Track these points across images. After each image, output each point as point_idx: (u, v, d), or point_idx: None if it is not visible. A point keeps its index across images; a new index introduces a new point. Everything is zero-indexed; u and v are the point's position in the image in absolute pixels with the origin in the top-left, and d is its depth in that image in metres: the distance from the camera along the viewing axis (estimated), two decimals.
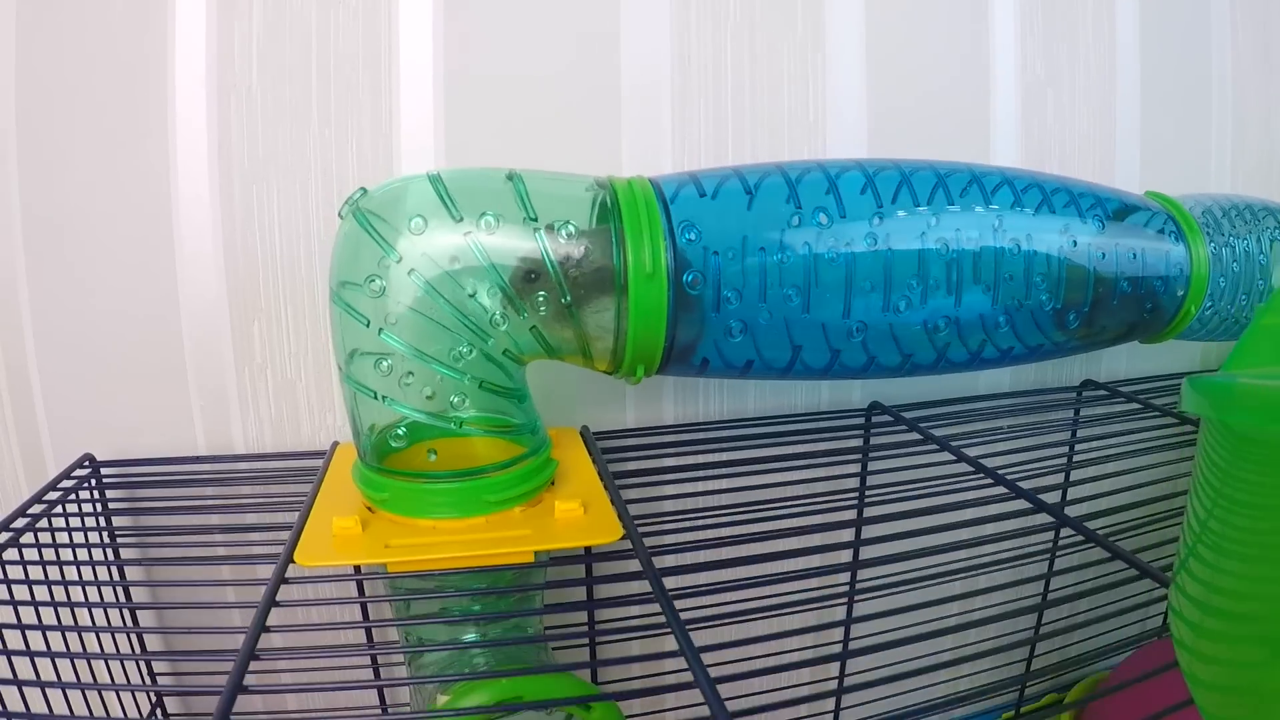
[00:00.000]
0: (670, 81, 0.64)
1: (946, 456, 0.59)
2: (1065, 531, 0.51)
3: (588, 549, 0.48)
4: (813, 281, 0.48)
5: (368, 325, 0.43)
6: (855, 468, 0.70)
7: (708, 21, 0.64)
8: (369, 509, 0.47)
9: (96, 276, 0.58)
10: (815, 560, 0.63)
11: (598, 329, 0.45)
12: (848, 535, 0.71)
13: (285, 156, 0.60)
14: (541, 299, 0.44)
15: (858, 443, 0.69)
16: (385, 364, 0.43)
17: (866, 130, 0.68)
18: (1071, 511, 0.50)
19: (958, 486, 0.56)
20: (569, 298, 0.44)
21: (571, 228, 0.44)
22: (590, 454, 0.56)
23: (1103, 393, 0.73)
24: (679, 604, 0.39)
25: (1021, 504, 0.51)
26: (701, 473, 0.66)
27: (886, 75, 0.67)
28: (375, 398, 0.44)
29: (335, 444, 0.58)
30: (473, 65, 0.61)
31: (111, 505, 0.57)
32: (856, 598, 0.69)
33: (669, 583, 0.41)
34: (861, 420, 0.70)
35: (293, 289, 0.61)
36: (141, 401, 0.59)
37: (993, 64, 0.69)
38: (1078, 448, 0.74)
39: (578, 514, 0.45)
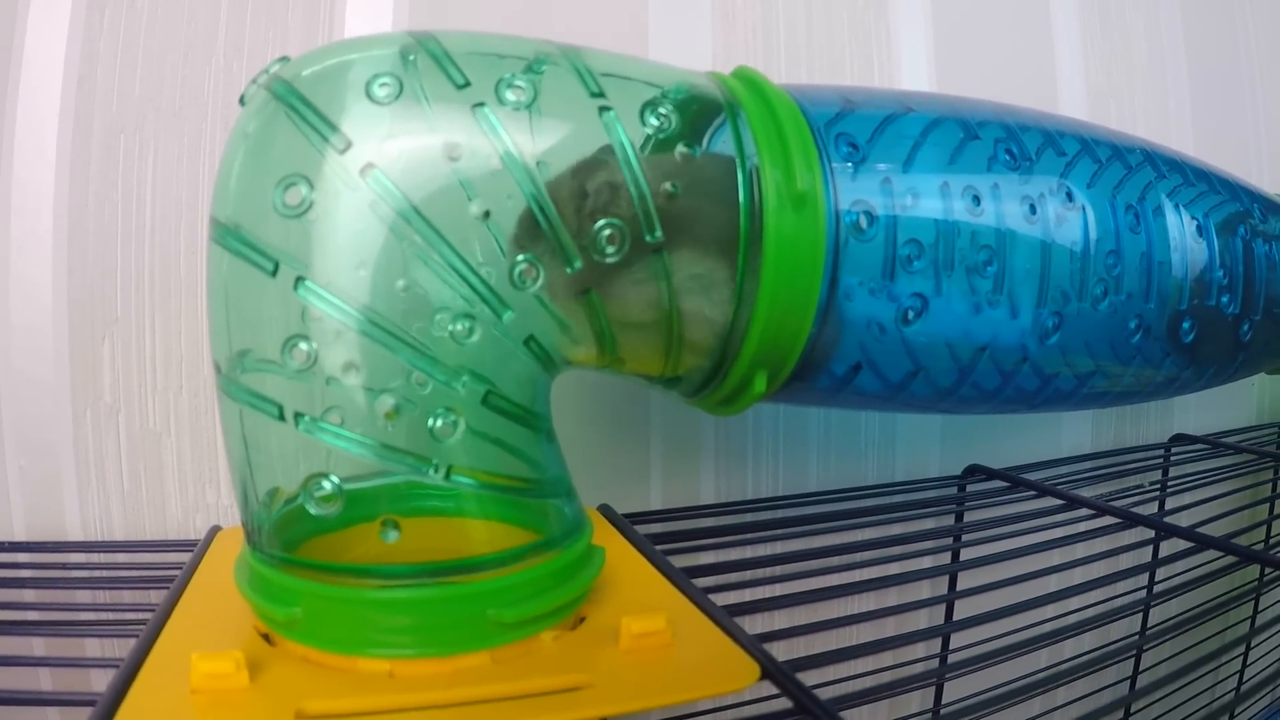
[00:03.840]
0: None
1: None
2: None
3: None
4: (1008, 246, 0.30)
5: (274, 273, 0.23)
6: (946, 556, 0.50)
7: None
8: (264, 637, 0.25)
9: None
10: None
11: (699, 295, 0.25)
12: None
13: (172, 94, 0.42)
14: (608, 234, 0.23)
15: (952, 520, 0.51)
16: (303, 349, 0.22)
17: None
18: None
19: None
20: (658, 232, 0.24)
21: (667, 111, 0.24)
22: (633, 544, 0.35)
23: (1202, 447, 0.61)
24: None
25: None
26: (752, 572, 0.45)
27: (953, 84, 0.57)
28: (279, 417, 0.23)
29: (215, 529, 0.36)
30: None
31: None
32: None
33: None
34: (954, 489, 0.52)
35: (167, 290, 0.41)
36: None
37: (1059, 73, 0.62)
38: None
39: (662, 640, 0.24)
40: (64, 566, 0.39)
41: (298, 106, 0.24)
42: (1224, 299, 0.40)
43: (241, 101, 0.26)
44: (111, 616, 0.38)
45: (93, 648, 0.40)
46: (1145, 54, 0.65)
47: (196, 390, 0.41)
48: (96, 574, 0.39)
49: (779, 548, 0.46)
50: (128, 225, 0.41)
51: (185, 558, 0.35)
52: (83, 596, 0.39)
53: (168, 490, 0.41)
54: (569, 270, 0.24)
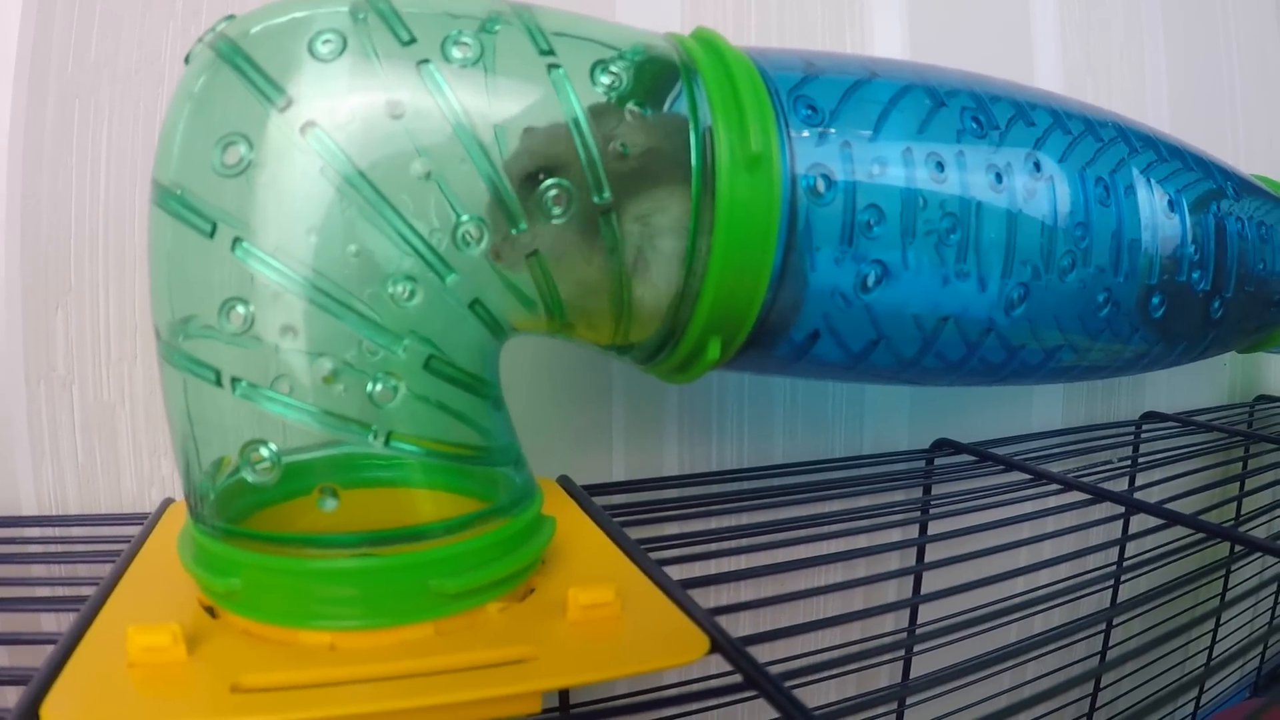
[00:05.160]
0: None
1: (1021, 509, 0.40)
2: None
3: None
4: (972, 214, 0.30)
5: (212, 234, 0.22)
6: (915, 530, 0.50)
7: None
8: (207, 609, 0.25)
9: None
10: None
11: (649, 258, 0.25)
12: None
13: (128, 58, 0.40)
14: (554, 194, 0.23)
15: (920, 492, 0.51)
16: (240, 311, 0.22)
17: None
18: None
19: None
20: (607, 193, 0.23)
21: (618, 70, 0.23)
22: (590, 515, 0.34)
23: (1173, 424, 0.61)
24: None
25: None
26: (717, 543, 0.45)
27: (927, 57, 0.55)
28: (216, 383, 0.22)
29: (168, 501, 0.36)
30: None
31: None
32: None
33: None
34: (922, 463, 0.52)
35: (121, 259, 0.40)
36: None
37: (1035, 48, 0.61)
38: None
39: (611, 612, 0.24)
40: (18, 541, 0.38)
41: (241, 64, 0.23)
42: (1195, 275, 0.39)
43: (187, 60, 0.26)
44: (66, 591, 0.37)
45: (49, 623, 0.39)
46: (1123, 31, 0.64)
47: (151, 361, 0.40)
48: (51, 548, 0.38)
49: (744, 519, 0.46)
50: (82, 192, 0.39)
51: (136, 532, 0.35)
52: (38, 571, 0.39)
53: (122, 462, 0.40)
54: (514, 231, 0.23)
